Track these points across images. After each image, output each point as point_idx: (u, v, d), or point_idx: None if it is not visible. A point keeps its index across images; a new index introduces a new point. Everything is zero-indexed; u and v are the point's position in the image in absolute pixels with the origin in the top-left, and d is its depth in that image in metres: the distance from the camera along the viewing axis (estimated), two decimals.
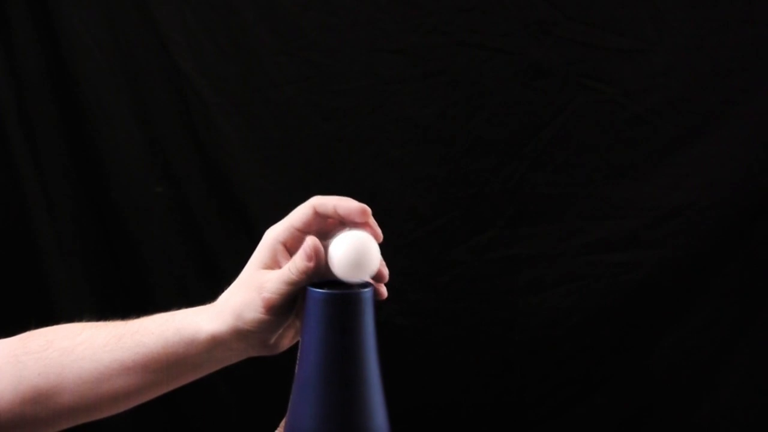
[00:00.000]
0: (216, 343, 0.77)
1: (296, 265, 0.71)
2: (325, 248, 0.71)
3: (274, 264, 0.76)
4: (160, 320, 0.80)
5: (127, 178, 1.63)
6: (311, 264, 0.70)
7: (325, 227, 0.74)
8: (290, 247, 0.75)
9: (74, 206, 1.64)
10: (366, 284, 0.70)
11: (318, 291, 0.69)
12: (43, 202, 1.63)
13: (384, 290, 0.72)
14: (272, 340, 0.76)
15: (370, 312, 0.69)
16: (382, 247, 0.71)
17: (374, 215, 0.72)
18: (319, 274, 0.71)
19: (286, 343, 0.77)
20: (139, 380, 0.80)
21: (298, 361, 0.71)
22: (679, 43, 1.53)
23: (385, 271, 0.73)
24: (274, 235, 0.76)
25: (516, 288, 1.60)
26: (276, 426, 0.80)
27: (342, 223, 0.72)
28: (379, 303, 0.70)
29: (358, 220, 0.71)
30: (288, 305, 0.73)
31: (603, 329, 1.59)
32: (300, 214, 0.74)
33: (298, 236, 0.74)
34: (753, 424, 1.57)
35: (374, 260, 0.70)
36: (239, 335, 0.76)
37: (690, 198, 1.54)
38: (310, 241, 0.71)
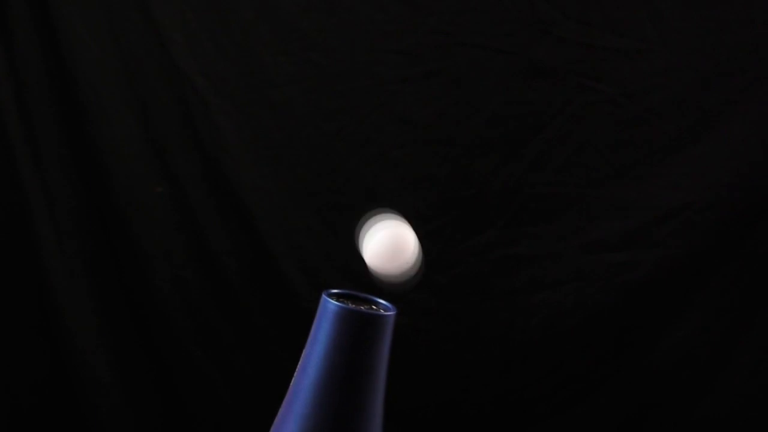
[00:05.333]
0: None
1: None
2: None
3: None
4: None
5: (127, 178, 1.63)
6: None
7: None
8: None
9: (74, 206, 1.64)
10: (389, 306, 0.60)
11: (333, 303, 0.59)
12: (44, 202, 1.62)
13: None
14: None
15: (388, 339, 0.58)
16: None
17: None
18: None
19: None
20: None
21: (296, 372, 0.63)
22: (679, 43, 1.53)
23: None
24: None
25: (516, 288, 1.60)
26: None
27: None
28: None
29: None
30: None
31: (603, 329, 1.59)
32: None
33: None
34: (753, 425, 1.57)
35: (411, 256, 0.61)
36: None
37: (690, 198, 1.54)
38: None
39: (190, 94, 1.61)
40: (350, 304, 0.59)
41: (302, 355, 0.63)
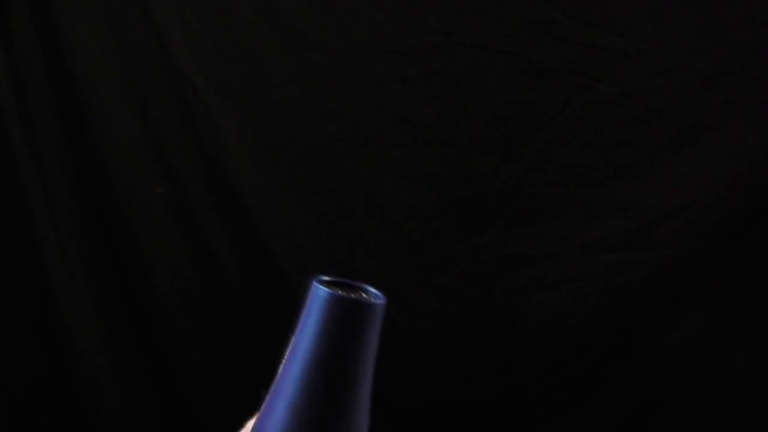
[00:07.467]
0: None
1: None
2: None
3: None
4: None
5: (127, 178, 1.63)
6: None
7: None
8: None
9: (74, 206, 1.64)
10: (379, 295, 0.60)
11: (323, 289, 0.59)
12: (44, 202, 1.63)
13: None
14: None
15: (377, 328, 0.59)
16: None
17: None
18: None
19: None
20: None
21: (284, 359, 0.63)
22: (679, 43, 1.53)
23: None
24: None
25: (516, 288, 1.59)
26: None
27: None
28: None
29: None
30: None
31: (603, 329, 1.59)
32: None
33: None
34: (753, 425, 1.57)
35: None
36: None
37: (690, 198, 1.54)
38: None
39: (190, 94, 1.61)
40: (340, 292, 0.60)
41: (290, 342, 0.63)
